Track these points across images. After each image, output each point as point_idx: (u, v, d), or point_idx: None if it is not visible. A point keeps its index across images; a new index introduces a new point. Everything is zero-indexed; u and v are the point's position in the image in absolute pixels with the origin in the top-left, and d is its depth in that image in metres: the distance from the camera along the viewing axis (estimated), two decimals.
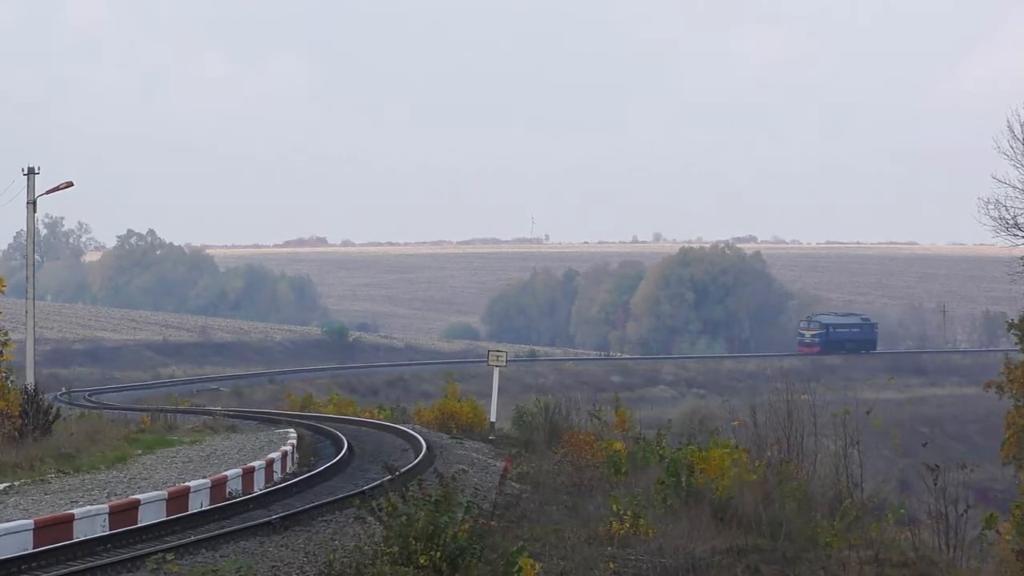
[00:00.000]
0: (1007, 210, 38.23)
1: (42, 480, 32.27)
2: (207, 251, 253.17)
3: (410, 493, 20.19)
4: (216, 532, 22.60)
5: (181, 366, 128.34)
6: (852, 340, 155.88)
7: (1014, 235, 38.38)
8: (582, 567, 22.19)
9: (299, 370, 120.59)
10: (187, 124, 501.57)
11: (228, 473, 30.25)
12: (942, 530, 26.73)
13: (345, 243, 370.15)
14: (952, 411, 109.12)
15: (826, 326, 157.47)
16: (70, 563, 19.70)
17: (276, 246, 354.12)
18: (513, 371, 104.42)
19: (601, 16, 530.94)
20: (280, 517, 24.06)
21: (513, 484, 33.44)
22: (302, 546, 22.17)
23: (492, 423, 49.85)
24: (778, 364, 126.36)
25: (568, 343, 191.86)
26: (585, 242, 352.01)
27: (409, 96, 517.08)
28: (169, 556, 20.13)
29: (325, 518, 25.14)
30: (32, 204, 47.68)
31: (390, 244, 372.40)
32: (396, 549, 19.50)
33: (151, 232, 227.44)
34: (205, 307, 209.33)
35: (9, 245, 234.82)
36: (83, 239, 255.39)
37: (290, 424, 50.16)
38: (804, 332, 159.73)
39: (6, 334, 40.26)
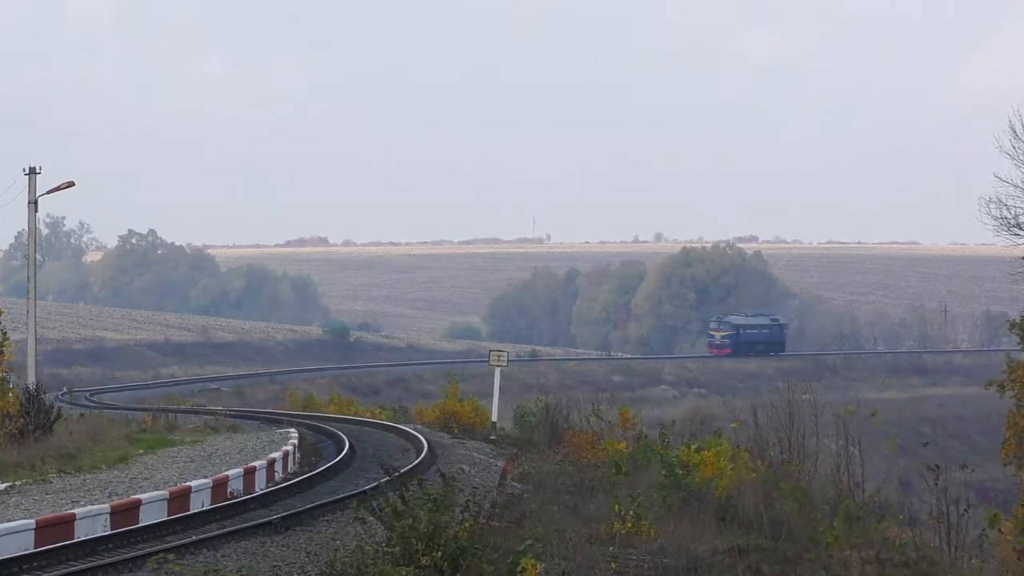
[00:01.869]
0: (1009, 209, 38.14)
1: (43, 480, 32.26)
2: (208, 251, 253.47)
3: (410, 493, 20.19)
4: (217, 532, 22.60)
5: (182, 366, 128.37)
6: (762, 342, 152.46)
7: (1015, 235, 38.29)
8: (584, 567, 22.17)
9: (300, 370, 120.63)
10: (188, 124, 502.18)
11: (229, 473, 30.24)
12: (943, 530, 26.75)
13: (346, 243, 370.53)
14: (953, 411, 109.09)
15: (736, 327, 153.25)
16: (71, 563, 19.69)
17: (277, 246, 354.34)
18: (514, 371, 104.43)
19: (602, 16, 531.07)
20: (281, 517, 24.05)
21: (515, 484, 33.45)
22: (303, 546, 22.16)
23: (493, 423, 49.86)
24: (779, 364, 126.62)
25: (569, 343, 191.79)
26: (586, 242, 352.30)
27: (411, 96, 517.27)
28: (170, 556, 20.11)
29: (327, 518, 25.14)
30: (33, 204, 47.70)
31: (391, 244, 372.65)
32: (398, 549, 19.51)
33: (152, 232, 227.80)
34: (206, 307, 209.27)
35: (11, 245, 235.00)
36: (84, 239, 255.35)
37: (291, 424, 50.14)
38: (714, 333, 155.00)
39: (4, 335, 40.19)
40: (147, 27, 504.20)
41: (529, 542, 19.96)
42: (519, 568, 19.48)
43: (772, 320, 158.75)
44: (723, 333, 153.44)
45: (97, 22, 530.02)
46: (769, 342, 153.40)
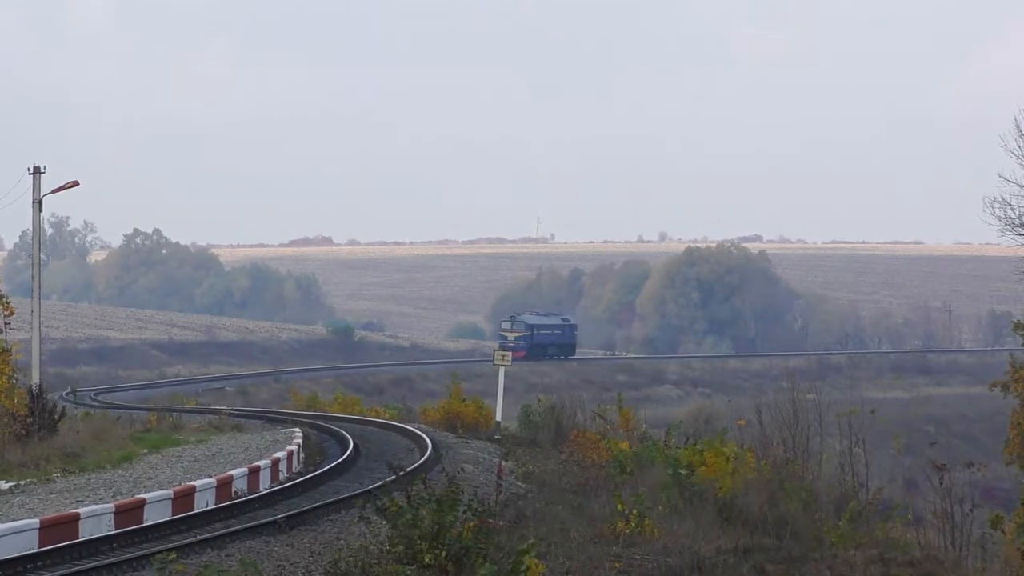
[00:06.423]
0: (1013, 209, 38.10)
1: (48, 479, 32.30)
2: (213, 250, 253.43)
3: (414, 492, 20.18)
4: (222, 532, 22.60)
5: (187, 365, 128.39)
6: (555, 344, 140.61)
7: (1020, 234, 38.24)
8: (587, 566, 22.16)
9: (305, 369, 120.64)
10: (193, 123, 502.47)
11: (234, 472, 30.27)
12: (948, 529, 26.74)
13: (351, 242, 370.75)
14: (958, 410, 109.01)
15: (531, 327, 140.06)
16: (75, 562, 19.70)
17: (282, 245, 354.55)
18: (518, 370, 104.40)
19: (604, 16, 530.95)
20: (286, 516, 24.06)
21: (519, 484, 33.46)
22: (308, 545, 22.15)
23: (498, 422, 49.85)
24: (783, 364, 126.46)
25: None
26: (591, 241, 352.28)
27: (413, 95, 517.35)
28: (174, 555, 20.10)
29: (331, 517, 25.13)
30: (38, 203, 47.64)
31: (396, 243, 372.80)
32: (401, 548, 19.49)
33: (157, 231, 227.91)
34: (211, 306, 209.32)
35: (15, 244, 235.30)
36: (89, 238, 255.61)
37: (296, 423, 50.16)
38: (507, 334, 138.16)
39: (7, 350, 39.95)
40: (152, 25, 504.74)
41: (532, 541, 19.92)
42: (523, 568, 19.46)
43: (564, 320, 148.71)
44: (517, 334, 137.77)
45: (100, 20, 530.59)
46: (561, 344, 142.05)
